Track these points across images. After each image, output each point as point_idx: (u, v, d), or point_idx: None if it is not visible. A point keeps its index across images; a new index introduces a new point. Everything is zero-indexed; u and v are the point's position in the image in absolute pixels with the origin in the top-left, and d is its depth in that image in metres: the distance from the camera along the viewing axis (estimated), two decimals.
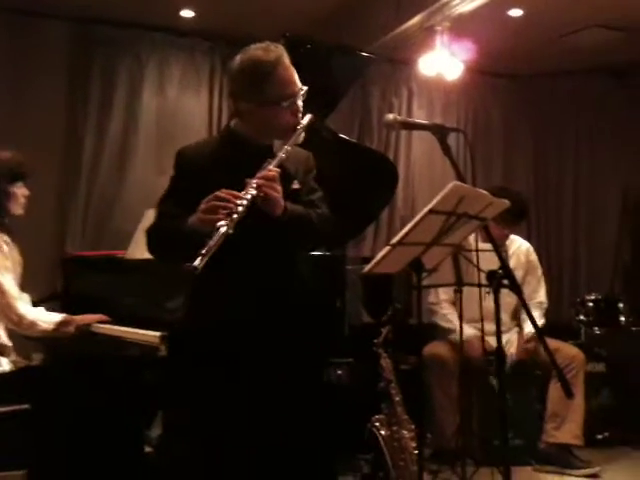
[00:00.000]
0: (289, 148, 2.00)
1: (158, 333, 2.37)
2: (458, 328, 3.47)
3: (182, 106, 4.50)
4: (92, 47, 4.30)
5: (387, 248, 1.90)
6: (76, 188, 4.24)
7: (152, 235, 2.05)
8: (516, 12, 3.98)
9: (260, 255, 1.95)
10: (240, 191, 1.86)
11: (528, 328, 3.58)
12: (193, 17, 4.14)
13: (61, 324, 2.74)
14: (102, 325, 2.79)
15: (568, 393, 2.10)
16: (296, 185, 2.04)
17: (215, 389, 1.98)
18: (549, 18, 4.07)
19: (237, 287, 1.95)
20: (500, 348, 2.20)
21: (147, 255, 2.13)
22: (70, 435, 2.58)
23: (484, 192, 2.00)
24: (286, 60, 2.02)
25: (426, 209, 1.82)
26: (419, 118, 4.97)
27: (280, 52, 2.02)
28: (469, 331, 3.45)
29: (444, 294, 3.67)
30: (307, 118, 2.06)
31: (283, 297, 2.07)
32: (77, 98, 4.28)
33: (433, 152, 4.74)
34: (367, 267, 1.97)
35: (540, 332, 2.24)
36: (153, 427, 3.03)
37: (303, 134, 2.05)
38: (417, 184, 5.05)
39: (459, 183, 1.82)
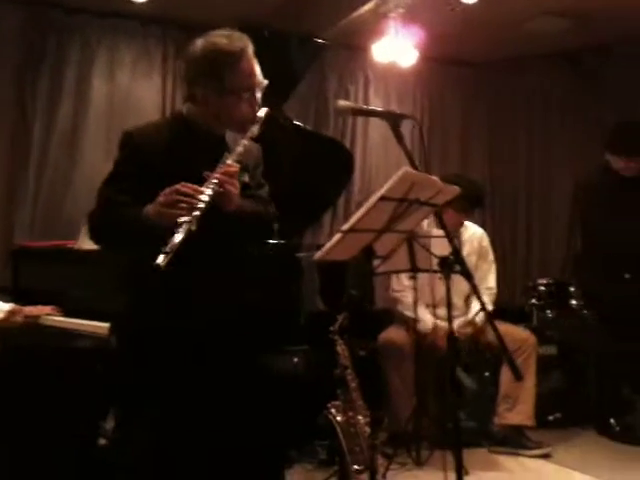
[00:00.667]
0: (247, 142, 1.99)
1: (107, 324, 2.33)
2: (423, 317, 3.52)
3: (134, 92, 4.40)
4: (41, 32, 4.17)
5: (338, 235, 1.90)
6: (25, 176, 4.13)
7: (98, 221, 2.00)
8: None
9: (210, 249, 1.92)
10: (194, 182, 1.84)
11: (475, 308, 3.64)
12: (145, 2, 4.05)
13: (9, 313, 2.68)
14: (51, 317, 2.74)
15: (517, 375, 2.14)
16: (246, 178, 2.03)
17: (165, 382, 1.96)
18: (503, 6, 4.10)
19: (186, 282, 1.91)
20: (452, 332, 2.23)
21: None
22: (20, 427, 2.53)
23: (435, 178, 2.01)
24: (250, 51, 2.00)
25: (377, 196, 1.82)
26: (375, 105, 4.98)
27: (246, 43, 2.00)
28: (430, 322, 3.47)
29: (407, 280, 3.68)
30: (263, 111, 2.04)
31: (234, 292, 2.06)
32: (26, 84, 4.16)
33: (390, 139, 4.66)
34: (318, 254, 1.96)
35: (489, 315, 2.28)
36: (108, 419, 2.99)
37: (258, 127, 2.03)
38: (374, 171, 5.06)
39: (409, 169, 1.83)
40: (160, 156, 1.96)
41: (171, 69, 4.46)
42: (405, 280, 3.69)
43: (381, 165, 5.06)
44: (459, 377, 3.82)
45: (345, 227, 1.88)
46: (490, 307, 3.78)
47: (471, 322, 3.63)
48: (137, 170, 1.94)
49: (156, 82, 4.45)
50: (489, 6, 4.02)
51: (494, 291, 3.86)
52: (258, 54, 2.06)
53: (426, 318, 3.57)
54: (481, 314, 3.58)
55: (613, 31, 4.58)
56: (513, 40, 4.67)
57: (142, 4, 4.08)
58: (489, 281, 3.87)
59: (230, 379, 2.05)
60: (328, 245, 1.93)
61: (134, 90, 4.42)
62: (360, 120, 4.96)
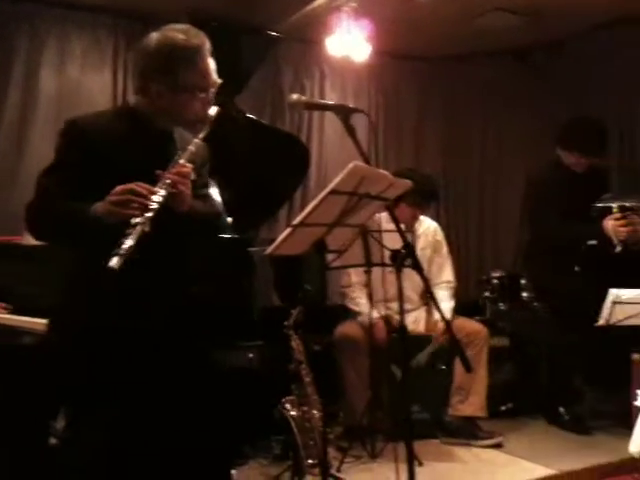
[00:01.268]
0: (198, 141, 1.96)
1: (44, 321, 2.27)
2: (366, 311, 3.54)
3: (84, 84, 4.30)
4: None
5: (288, 229, 1.89)
6: None
7: (35, 214, 1.93)
8: None
9: (160, 248, 1.88)
10: (141, 177, 1.81)
11: (445, 306, 3.65)
12: None
13: None
14: None
15: (466, 367, 2.17)
16: (192, 176, 2.00)
17: (117, 380, 1.93)
18: (455, 1, 4.14)
19: (136, 280, 1.86)
20: (403, 326, 2.24)
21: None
22: None
23: (385, 173, 2.02)
24: (207, 49, 1.97)
25: (326, 190, 1.81)
26: (331, 100, 4.98)
27: (203, 40, 1.97)
28: (374, 313, 3.49)
29: (356, 276, 3.70)
30: (215, 110, 2.02)
31: (184, 289, 2.05)
32: None
33: (345, 133, 4.75)
34: (269, 249, 1.95)
35: (440, 311, 2.30)
36: (58, 418, 2.93)
37: (209, 127, 2.01)
38: (330, 165, 5.06)
39: (359, 163, 1.82)
40: (106, 148, 1.92)
41: (122, 61, 4.38)
42: (354, 276, 3.71)
43: (337, 159, 5.06)
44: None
45: (295, 222, 1.87)
46: (452, 301, 3.81)
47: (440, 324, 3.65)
48: (80, 161, 1.89)
49: (107, 74, 4.37)
50: (442, 1, 4.06)
51: (453, 284, 3.89)
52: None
53: (366, 311, 3.56)
54: (445, 308, 3.58)
55: (564, 27, 4.68)
56: (466, 35, 4.72)
57: None
58: (446, 274, 3.90)
59: (183, 376, 2.03)
60: (278, 240, 1.92)
61: (84, 82, 4.33)
62: (316, 114, 4.96)
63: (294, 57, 4.91)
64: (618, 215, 3.62)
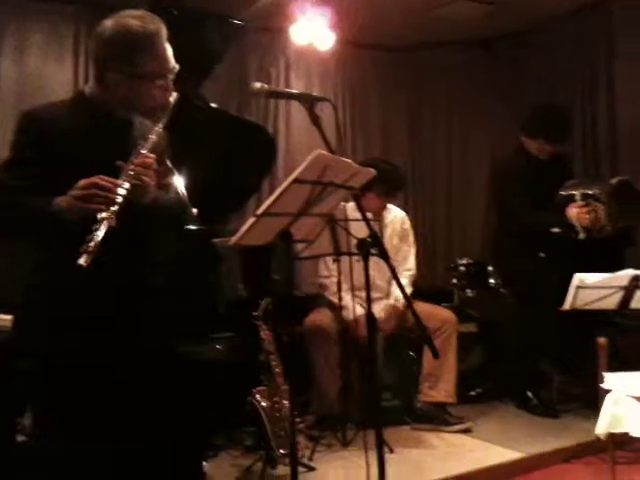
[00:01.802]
0: (160, 130, 1.94)
1: (9, 317, 2.22)
2: (350, 305, 3.53)
3: (45, 75, 4.21)
4: None
5: (252, 219, 1.87)
6: None
7: None
8: None
9: (124, 240, 1.83)
10: (102, 168, 1.77)
11: (395, 294, 3.70)
12: None
13: None
14: None
15: (434, 353, 2.18)
16: (155, 166, 1.97)
17: (83, 374, 1.90)
18: None
19: (100, 274, 1.80)
20: (371, 313, 2.24)
21: None
22: None
23: (349, 161, 2.01)
24: (164, 35, 1.94)
25: (290, 178, 1.80)
26: (297, 88, 4.95)
27: (159, 26, 1.93)
28: (358, 309, 3.48)
29: (334, 265, 3.68)
30: (174, 97, 1.99)
31: (149, 282, 2.02)
32: None
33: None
34: (232, 239, 1.93)
35: (407, 299, 2.30)
36: (26, 415, 2.88)
37: (169, 114, 1.98)
38: (298, 154, 5.03)
39: (322, 152, 1.81)
40: (63, 140, 1.87)
41: (84, 50, 4.29)
42: (332, 265, 3.69)
43: (305, 148, 5.03)
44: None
45: (259, 212, 1.85)
46: (409, 288, 3.84)
47: (392, 312, 3.67)
48: (37, 154, 1.85)
49: (68, 63, 4.28)
50: None
51: (413, 272, 3.92)
52: (170, 33, 2.00)
53: (350, 306, 3.56)
54: (400, 298, 3.62)
55: (527, 16, 4.71)
56: (430, 25, 4.73)
57: None
58: (409, 263, 3.92)
59: (150, 368, 2.01)
60: (242, 230, 1.89)
61: (45, 72, 4.23)
62: (282, 103, 4.93)
63: (260, 46, 4.87)
64: (581, 203, 3.67)
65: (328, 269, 3.73)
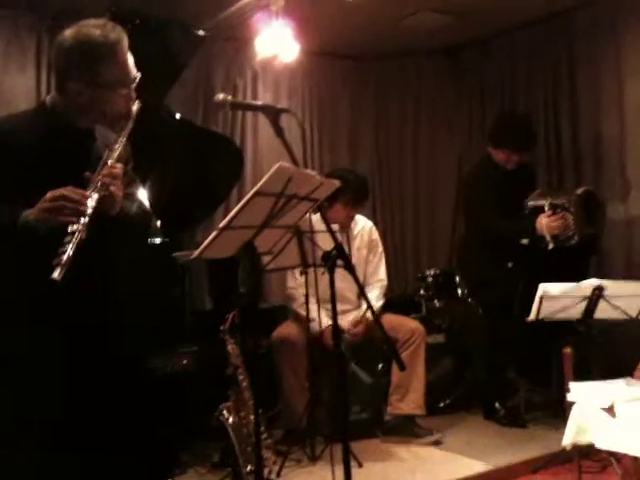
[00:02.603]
0: (124, 140, 1.91)
1: None
2: (317, 317, 3.49)
3: (6, 84, 4.10)
4: None
5: (214, 232, 1.84)
6: None
7: None
8: None
9: (89, 253, 1.78)
10: (68, 181, 1.75)
11: (363, 310, 3.69)
12: None
13: None
14: None
15: (400, 366, 2.16)
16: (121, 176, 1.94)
17: (44, 388, 1.86)
18: (384, 1, 4.15)
19: (64, 286, 1.76)
20: (336, 326, 2.22)
21: None
22: None
23: (312, 173, 1.99)
24: (125, 44, 1.92)
25: (252, 191, 1.77)
26: (264, 99, 4.92)
27: (120, 35, 1.92)
28: (325, 321, 3.45)
29: (301, 277, 3.65)
30: (136, 106, 1.97)
31: (112, 296, 1.99)
32: None
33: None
34: (195, 252, 1.90)
35: (373, 312, 2.28)
36: None
37: (132, 123, 1.96)
38: (265, 165, 4.99)
39: (284, 164, 1.79)
40: (24, 152, 1.84)
41: (46, 60, 4.19)
42: (299, 277, 3.66)
43: (273, 159, 4.98)
44: (354, 371, 3.84)
45: (221, 225, 1.82)
46: (382, 300, 3.83)
47: (361, 319, 3.66)
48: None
49: (30, 73, 4.18)
50: (370, 1, 4.07)
51: (385, 283, 3.91)
52: (130, 44, 1.98)
53: (321, 319, 3.51)
54: (374, 307, 3.60)
55: (490, 26, 4.77)
56: (396, 35, 4.75)
57: None
58: (379, 273, 3.92)
59: (114, 383, 1.97)
60: (205, 243, 1.86)
61: (6, 82, 4.13)
62: (249, 113, 4.89)
63: (226, 56, 4.83)
64: (550, 213, 3.71)
65: (295, 281, 3.69)
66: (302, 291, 3.58)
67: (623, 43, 4.30)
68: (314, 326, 3.49)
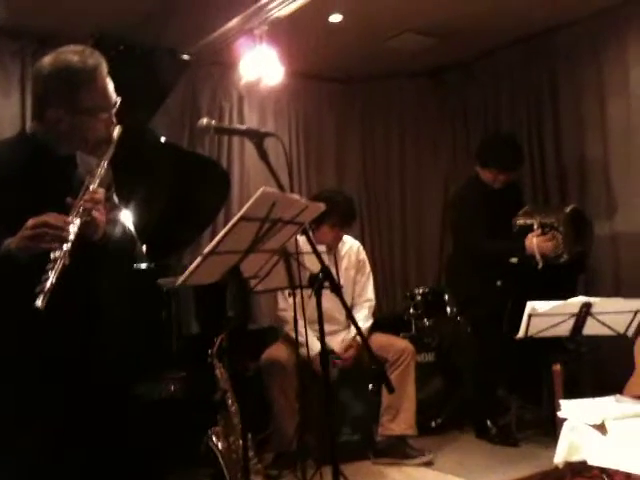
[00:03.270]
0: (105, 164, 1.91)
1: None
2: (309, 342, 3.46)
3: None
4: None
5: (199, 258, 1.83)
6: None
7: None
8: (336, 17, 4.06)
9: (73, 279, 1.76)
10: (51, 209, 1.74)
11: (353, 331, 3.67)
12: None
13: None
14: None
15: (389, 389, 2.15)
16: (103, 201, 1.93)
17: (32, 416, 1.83)
18: (368, 24, 4.20)
19: (49, 314, 1.74)
20: (324, 349, 2.21)
21: None
22: None
23: (296, 197, 1.99)
24: (104, 69, 1.93)
25: (236, 217, 1.77)
26: (250, 121, 4.94)
27: (99, 60, 1.92)
28: (316, 346, 3.42)
29: (290, 299, 3.64)
30: (117, 131, 1.96)
31: (97, 323, 1.97)
32: None
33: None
34: (180, 279, 1.89)
35: (361, 334, 2.28)
36: None
37: (113, 148, 1.95)
38: (252, 187, 5.00)
39: (268, 189, 1.79)
40: (6, 181, 1.83)
41: (30, 85, 4.21)
42: (291, 299, 3.65)
43: (260, 181, 4.99)
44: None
45: (206, 250, 1.81)
46: (370, 319, 3.82)
47: (352, 343, 3.65)
48: None
49: (15, 99, 4.17)
50: (354, 24, 4.11)
51: (373, 302, 3.91)
52: (114, 68, 1.98)
53: (313, 343, 3.50)
54: (363, 327, 3.62)
55: (472, 48, 4.83)
56: (380, 57, 4.80)
57: None
58: (367, 293, 3.91)
59: (102, 410, 1.96)
60: (189, 269, 1.85)
61: None
62: (236, 137, 4.90)
63: (211, 80, 4.85)
64: (539, 232, 3.72)
65: (287, 302, 3.68)
66: (291, 312, 3.58)
67: (604, 62, 4.36)
68: (304, 351, 3.47)
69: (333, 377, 3.58)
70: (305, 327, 3.24)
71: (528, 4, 4.03)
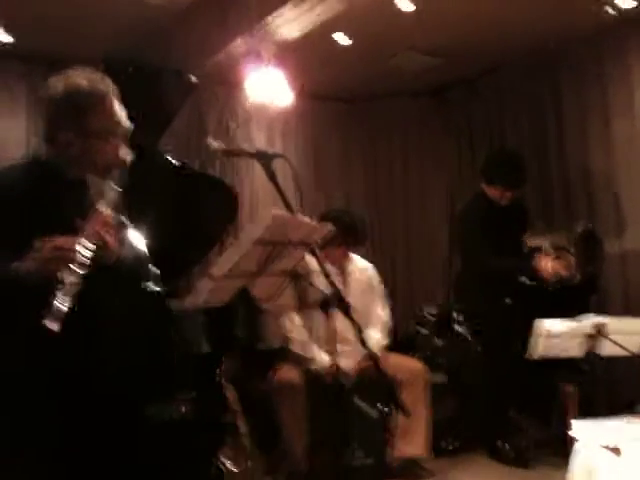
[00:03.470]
0: (116, 187, 1.92)
1: None
2: (317, 357, 3.47)
3: None
4: None
5: (209, 282, 1.83)
6: None
7: None
8: (342, 39, 4.10)
9: (86, 301, 1.77)
10: (61, 232, 1.74)
11: (370, 346, 3.65)
12: (7, 39, 3.86)
13: None
14: None
15: (404, 412, 2.13)
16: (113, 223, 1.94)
17: (41, 439, 1.82)
18: (373, 44, 4.23)
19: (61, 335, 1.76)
20: (337, 370, 2.20)
21: None
22: None
23: (305, 219, 1.99)
24: (114, 93, 1.94)
25: (246, 241, 1.77)
26: (258, 141, 4.98)
27: (109, 84, 1.94)
28: (325, 361, 3.41)
29: (299, 319, 3.64)
30: (127, 154, 1.98)
31: (107, 345, 1.96)
32: None
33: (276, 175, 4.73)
34: (189, 301, 1.89)
35: (372, 355, 2.27)
36: None
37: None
38: (261, 206, 5.03)
39: (278, 212, 1.80)
40: (17, 206, 1.84)
41: (37, 107, 4.25)
42: (297, 319, 3.65)
43: (268, 201, 5.02)
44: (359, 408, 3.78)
45: (217, 274, 1.81)
46: (385, 339, 3.79)
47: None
48: None
49: (21, 121, 4.23)
50: (359, 44, 4.15)
51: (387, 321, 3.88)
52: (123, 91, 2.00)
53: (321, 357, 3.50)
54: (377, 345, 3.63)
55: (476, 65, 4.85)
56: (384, 77, 4.84)
57: (4, 39, 3.90)
58: (381, 312, 3.89)
59: (112, 432, 1.93)
60: (200, 292, 1.85)
61: None
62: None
63: (218, 100, 4.89)
64: (551, 253, 3.69)
65: (292, 322, 3.67)
66: (299, 332, 3.57)
67: (609, 81, 4.37)
68: (318, 365, 3.47)
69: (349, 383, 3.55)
70: (316, 343, 3.25)
71: (531, 22, 4.05)
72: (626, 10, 3.81)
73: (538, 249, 3.76)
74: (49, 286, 1.66)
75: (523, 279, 3.78)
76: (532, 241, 3.84)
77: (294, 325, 3.66)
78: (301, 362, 3.57)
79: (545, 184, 4.73)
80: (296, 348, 3.65)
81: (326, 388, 3.40)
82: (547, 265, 3.66)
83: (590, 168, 4.50)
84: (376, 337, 3.71)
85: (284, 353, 3.93)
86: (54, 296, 1.64)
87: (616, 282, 4.32)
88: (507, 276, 3.84)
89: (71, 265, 1.68)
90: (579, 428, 2.52)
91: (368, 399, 3.72)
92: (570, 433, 2.54)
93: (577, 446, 2.44)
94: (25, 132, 4.23)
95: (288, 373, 3.60)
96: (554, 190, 4.69)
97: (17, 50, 4.10)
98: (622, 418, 2.58)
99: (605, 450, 2.35)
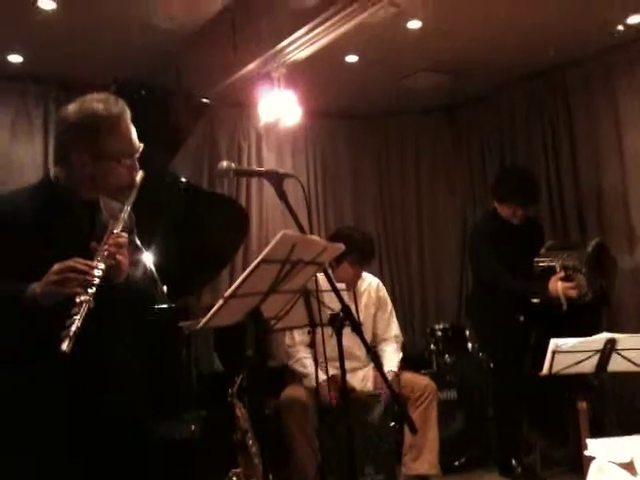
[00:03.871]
0: (128, 209, 1.94)
1: None
2: (312, 372, 3.47)
3: (14, 154, 4.21)
4: None
5: (220, 302, 1.84)
6: None
7: None
8: (352, 58, 4.14)
9: (96, 320, 1.77)
10: (75, 253, 1.76)
11: (387, 367, 3.65)
12: (22, 62, 3.92)
13: None
14: None
15: (412, 429, 2.13)
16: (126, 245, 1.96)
17: (49, 456, 1.83)
18: (383, 63, 4.27)
19: (71, 354, 1.77)
20: (345, 387, 2.21)
21: None
22: None
23: (316, 239, 2.00)
24: (128, 116, 1.97)
25: (257, 260, 1.78)
26: (268, 161, 5.01)
27: (123, 107, 1.96)
28: (321, 375, 3.42)
29: (299, 336, 3.65)
30: (139, 175, 2.00)
31: (118, 363, 1.98)
32: None
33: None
34: (202, 322, 1.90)
35: (383, 375, 2.27)
36: None
37: (136, 192, 1.98)
38: (271, 227, 5.04)
39: (288, 232, 1.81)
40: (30, 228, 1.86)
41: (53, 129, 4.31)
42: (297, 336, 3.66)
43: (279, 220, 5.06)
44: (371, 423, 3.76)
45: (227, 293, 1.83)
46: (399, 354, 3.78)
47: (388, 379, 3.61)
48: (2, 245, 1.82)
49: (38, 143, 4.29)
50: (370, 64, 4.18)
51: (401, 338, 3.89)
52: (135, 112, 2.03)
53: (311, 373, 3.48)
54: (393, 362, 3.64)
55: (485, 83, 4.88)
56: (395, 94, 4.86)
57: (18, 64, 3.96)
58: (393, 329, 3.88)
59: (122, 451, 1.94)
60: (210, 312, 1.86)
61: (14, 152, 4.24)
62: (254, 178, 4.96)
63: (229, 120, 4.93)
64: (562, 275, 3.64)
65: (292, 339, 3.69)
66: (298, 349, 3.60)
67: (620, 97, 4.38)
68: (309, 381, 3.47)
69: (379, 412, 3.55)
70: (316, 361, 3.25)
71: (541, 39, 4.07)
72: (635, 25, 3.83)
73: (550, 270, 3.72)
74: (63, 307, 1.68)
75: (535, 301, 3.73)
76: (544, 263, 3.79)
77: (294, 341, 3.68)
78: (301, 378, 3.58)
79: (558, 199, 4.72)
80: (293, 363, 3.67)
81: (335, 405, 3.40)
82: (557, 287, 3.61)
83: (602, 184, 4.50)
84: (392, 353, 3.71)
85: (293, 371, 3.94)
86: (67, 317, 1.66)
87: (629, 297, 4.29)
88: (519, 297, 3.80)
89: (84, 286, 1.70)
90: (595, 446, 2.50)
91: (379, 416, 3.71)
92: (585, 452, 2.52)
93: (593, 464, 2.42)
94: (42, 155, 4.28)
95: (298, 392, 3.60)
96: (567, 204, 4.67)
97: (33, 73, 4.17)
98: (638, 436, 2.56)
99: (620, 468, 2.33)
